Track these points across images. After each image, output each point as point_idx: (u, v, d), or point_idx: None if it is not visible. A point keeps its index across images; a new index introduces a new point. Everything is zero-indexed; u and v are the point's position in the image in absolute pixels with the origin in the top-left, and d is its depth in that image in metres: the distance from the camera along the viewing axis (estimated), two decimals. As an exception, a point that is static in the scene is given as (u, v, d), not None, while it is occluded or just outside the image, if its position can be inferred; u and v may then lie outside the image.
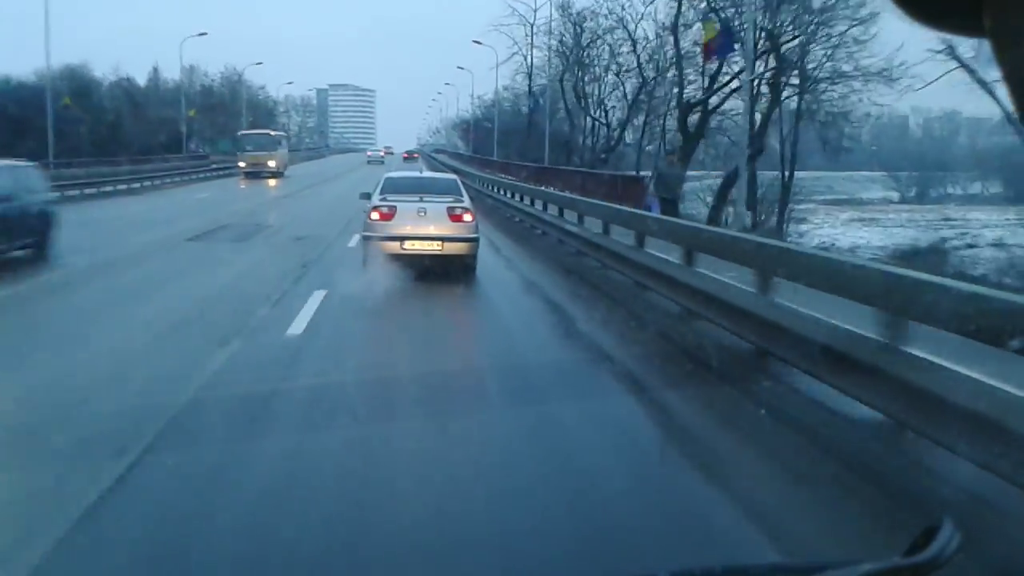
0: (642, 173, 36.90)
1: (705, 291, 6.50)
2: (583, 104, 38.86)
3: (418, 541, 3.23)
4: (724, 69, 26.99)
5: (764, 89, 27.34)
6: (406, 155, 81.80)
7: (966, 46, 20.38)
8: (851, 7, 25.49)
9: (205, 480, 3.79)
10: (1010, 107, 0.63)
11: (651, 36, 32.73)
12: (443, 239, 10.06)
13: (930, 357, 3.78)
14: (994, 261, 26.15)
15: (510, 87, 51.36)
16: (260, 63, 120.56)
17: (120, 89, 59.31)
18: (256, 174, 40.24)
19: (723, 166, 33.34)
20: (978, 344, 3.47)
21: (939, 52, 22.17)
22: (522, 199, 18.02)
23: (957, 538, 0.94)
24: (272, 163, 41.70)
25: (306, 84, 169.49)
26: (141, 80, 62.85)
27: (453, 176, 13.28)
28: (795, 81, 26.41)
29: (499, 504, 3.67)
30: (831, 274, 5.07)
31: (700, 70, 29.05)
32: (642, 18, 32.51)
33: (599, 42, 35.88)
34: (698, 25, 30.69)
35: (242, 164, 41.54)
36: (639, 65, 32.71)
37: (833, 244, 32.67)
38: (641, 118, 36.64)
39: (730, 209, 24.89)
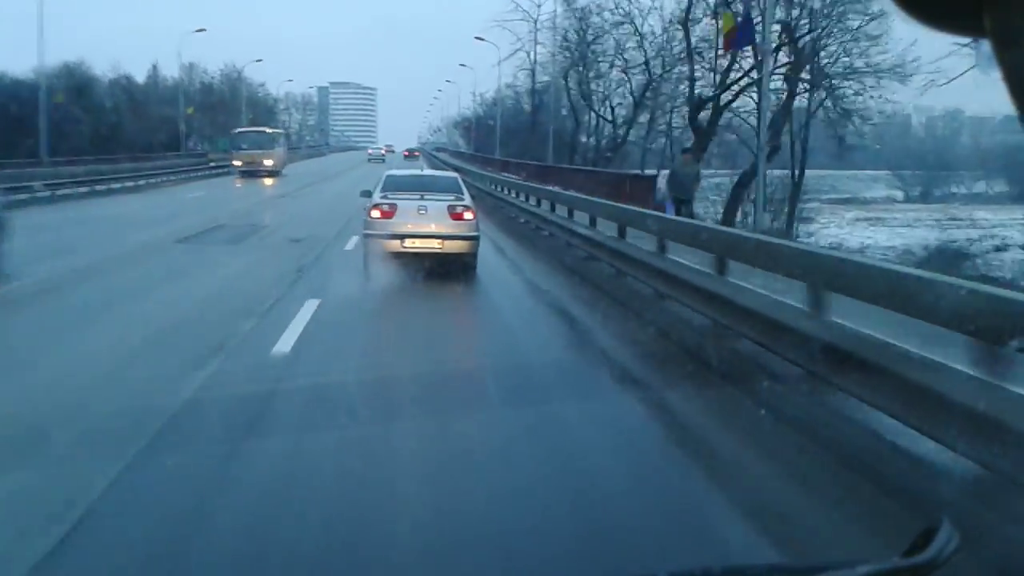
0: (649, 171, 36.30)
1: (742, 305, 5.79)
2: (587, 101, 38.09)
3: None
4: (735, 64, 26.18)
5: (777, 84, 26.54)
6: (407, 153, 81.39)
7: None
8: (863, 2, 24.77)
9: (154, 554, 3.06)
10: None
11: (657, 31, 31.92)
12: (443, 237, 10.01)
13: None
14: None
15: (512, 85, 50.66)
16: (260, 60, 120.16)
17: (119, 87, 58.76)
18: (252, 173, 39.20)
19: (730, 165, 32.59)
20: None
21: (964, 46, 21.40)
22: (527, 199, 17.31)
23: (956, 539, 0.94)
24: (269, 162, 40.66)
25: (307, 82, 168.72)
26: (140, 78, 62.29)
27: (454, 174, 13.13)
28: (805, 77, 25.61)
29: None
30: (897, 288, 4.33)
31: (711, 66, 28.25)
32: (649, 12, 31.69)
33: (605, 37, 35.10)
34: (706, 20, 30.06)
35: (238, 163, 40.47)
36: (646, 61, 31.93)
37: (841, 244, 31.98)
38: (646, 115, 35.88)
39: (741, 209, 24.19)
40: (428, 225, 10.03)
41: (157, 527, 3.25)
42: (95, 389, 5.19)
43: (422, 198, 10.22)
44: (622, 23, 32.60)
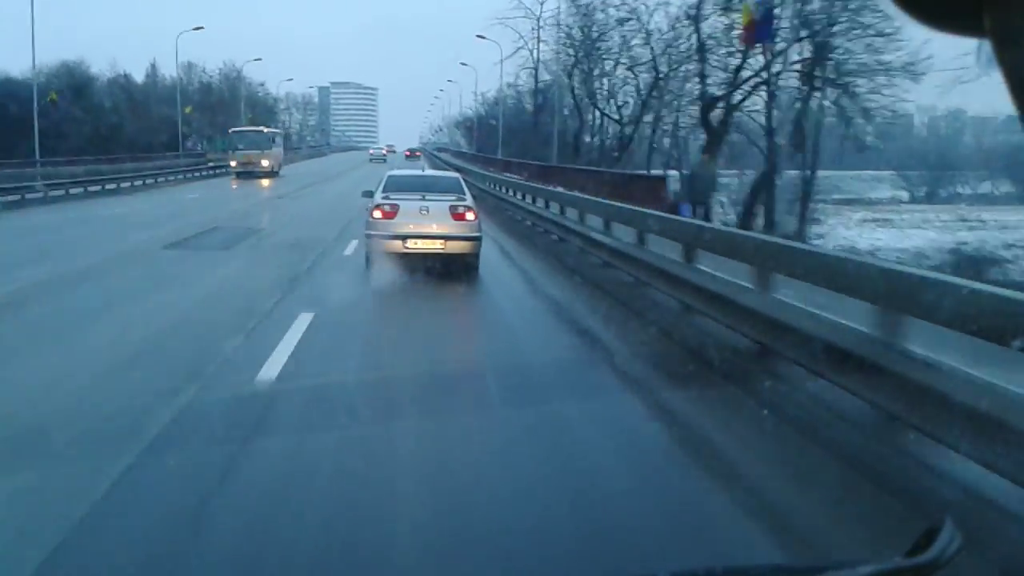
0: (655, 171, 35.55)
1: (794, 326, 5.05)
2: (592, 99, 37.31)
3: None
4: (746, 61, 25.41)
5: (787, 83, 25.77)
6: (408, 153, 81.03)
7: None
8: (876, -1, 24.00)
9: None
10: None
11: (664, 28, 31.13)
12: (445, 238, 9.99)
13: None
14: None
15: (514, 84, 49.94)
16: (259, 59, 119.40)
17: (117, 87, 58.15)
18: (249, 174, 38.29)
19: (735, 165, 31.80)
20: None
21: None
22: (533, 201, 16.56)
23: (958, 539, 0.94)
24: (265, 162, 39.73)
25: (308, 82, 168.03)
26: (139, 77, 61.70)
27: (455, 174, 13.06)
28: (819, 74, 24.82)
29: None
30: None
31: (720, 65, 27.49)
32: (656, 9, 30.90)
33: (610, 34, 34.32)
34: (713, 17, 29.27)
35: (233, 163, 39.61)
36: (653, 58, 31.14)
37: (851, 247, 31.21)
38: (651, 114, 35.10)
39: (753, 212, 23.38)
40: (430, 225, 9.97)
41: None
42: (65, 416, 4.48)
43: (424, 198, 10.15)
44: (628, 19, 31.84)
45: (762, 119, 29.37)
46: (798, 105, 18.94)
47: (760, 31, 16.62)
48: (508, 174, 31.66)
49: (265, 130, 44.03)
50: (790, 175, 30.02)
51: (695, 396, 5.39)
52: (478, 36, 43.87)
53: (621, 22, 32.52)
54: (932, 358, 3.73)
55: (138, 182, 32.29)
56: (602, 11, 34.12)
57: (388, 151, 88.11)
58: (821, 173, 43.07)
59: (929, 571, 0.92)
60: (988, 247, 34.37)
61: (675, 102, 32.91)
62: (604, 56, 35.82)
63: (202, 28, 49.62)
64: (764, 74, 24.29)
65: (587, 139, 40.96)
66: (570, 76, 37.10)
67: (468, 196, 10.63)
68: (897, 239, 39.45)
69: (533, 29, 41.18)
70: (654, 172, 35.14)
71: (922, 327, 3.92)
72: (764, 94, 26.56)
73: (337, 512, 3.49)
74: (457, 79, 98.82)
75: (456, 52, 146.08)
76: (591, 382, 5.90)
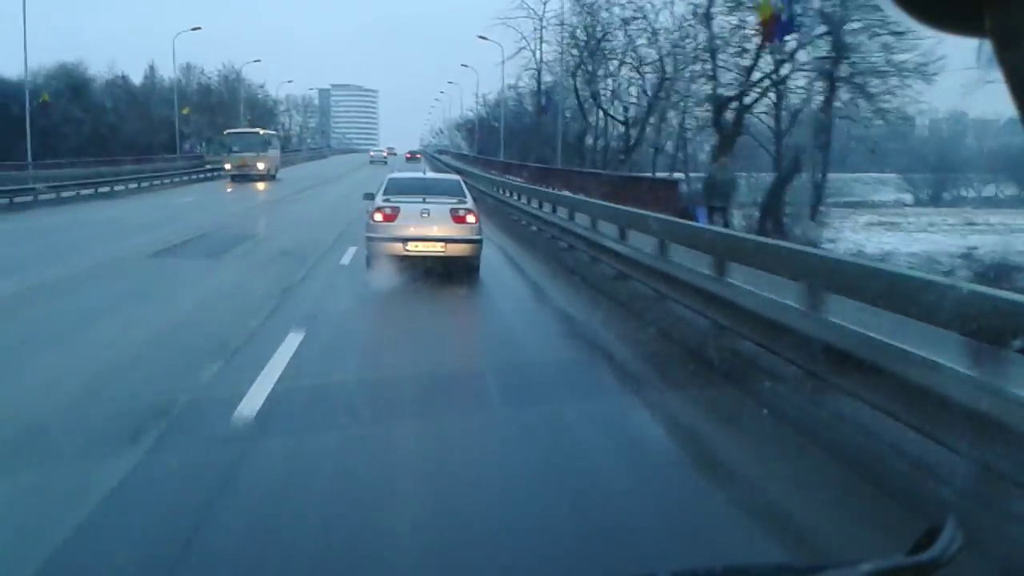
0: (661, 174, 34.80)
1: (846, 351, 4.33)
2: (597, 101, 36.56)
3: None
4: (758, 62, 24.67)
5: (800, 83, 25.05)
6: (408, 155, 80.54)
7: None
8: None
9: None
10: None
11: (670, 27, 30.38)
12: (446, 240, 9.94)
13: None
14: None
15: (516, 86, 49.26)
16: (258, 61, 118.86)
17: (115, 88, 57.52)
18: (244, 177, 37.17)
19: (744, 168, 31.02)
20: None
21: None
22: (540, 205, 15.82)
23: (960, 538, 0.94)
24: (261, 165, 38.50)
25: (308, 84, 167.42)
26: (138, 79, 61.08)
27: (456, 177, 13.10)
28: (837, 73, 24.06)
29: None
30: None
31: (727, 65, 26.73)
32: (663, 7, 30.14)
33: (616, 33, 33.58)
34: (721, 16, 28.52)
35: (228, 166, 38.45)
36: (660, 58, 30.40)
37: (859, 251, 30.51)
38: (656, 116, 34.35)
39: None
40: (431, 228, 9.94)
41: None
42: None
43: (424, 201, 10.14)
44: (635, 18, 31.10)
45: (770, 120, 28.73)
46: (817, 104, 18.20)
47: (780, 27, 15.89)
48: (510, 176, 30.97)
49: (261, 132, 42.79)
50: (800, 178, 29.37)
51: (751, 441, 4.64)
52: (479, 37, 43.20)
53: (627, 21, 31.79)
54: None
55: (133, 185, 31.59)
56: (607, 10, 33.41)
57: (388, 153, 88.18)
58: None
59: (930, 570, 0.91)
60: (1002, 251, 33.72)
61: (681, 103, 32.18)
62: (609, 56, 35.08)
63: (199, 29, 48.96)
64: (778, 73, 23.52)
65: (589, 141, 40.24)
66: (574, 77, 36.35)
67: (469, 199, 10.60)
68: (906, 243, 38.76)
69: (536, 29, 40.51)
70: (663, 175, 34.52)
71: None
72: (778, 94, 25.85)
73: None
74: (458, 81, 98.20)
75: (457, 54, 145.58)
76: (633, 432, 5.13)
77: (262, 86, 75.62)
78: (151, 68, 62.45)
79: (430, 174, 14.55)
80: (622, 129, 37.71)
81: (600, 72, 35.70)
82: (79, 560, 2.96)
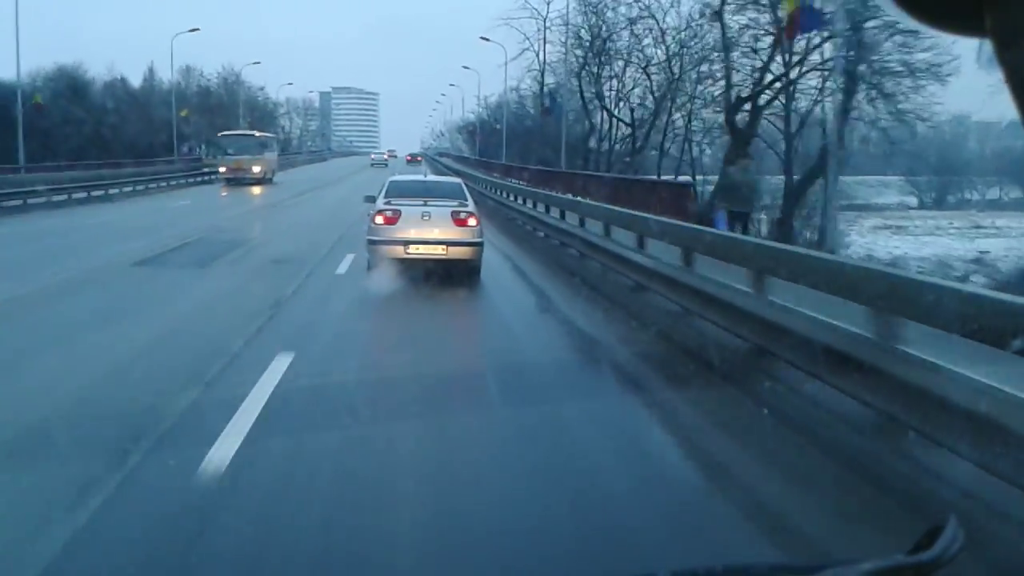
0: (666, 177, 34.04)
1: (922, 388, 3.60)
2: (601, 101, 35.79)
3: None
4: (772, 61, 23.91)
5: (813, 83, 24.31)
6: (409, 158, 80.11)
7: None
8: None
9: None
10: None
11: (678, 27, 29.62)
12: (447, 243, 9.91)
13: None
14: None
15: (517, 88, 48.55)
16: (257, 62, 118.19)
17: (113, 90, 56.92)
18: (239, 181, 36.00)
19: (754, 170, 30.26)
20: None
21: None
22: (548, 210, 15.08)
23: (961, 538, 0.93)
24: (257, 168, 37.23)
25: (309, 86, 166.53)
26: (136, 81, 60.46)
27: (457, 180, 13.09)
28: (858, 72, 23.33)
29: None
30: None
31: (738, 65, 25.98)
32: (671, 7, 29.38)
33: (623, 33, 32.82)
34: (728, 16, 27.75)
35: (223, 169, 37.20)
36: (668, 58, 29.65)
37: (869, 255, 29.82)
38: (664, 118, 33.61)
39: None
40: (432, 231, 9.91)
41: None
42: None
43: (426, 204, 10.14)
44: (641, 17, 30.35)
45: (778, 121, 27.98)
46: (836, 104, 17.47)
47: (807, 21, 15.12)
48: (512, 179, 30.25)
49: (257, 134, 41.46)
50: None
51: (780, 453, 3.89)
52: (481, 38, 42.49)
53: (633, 21, 31.04)
54: None
55: (128, 188, 30.89)
56: (612, 10, 32.66)
57: (389, 156, 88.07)
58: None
59: (931, 570, 0.91)
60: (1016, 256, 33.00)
61: (688, 104, 31.45)
62: (614, 56, 34.34)
63: (198, 30, 48.20)
64: (796, 71, 22.76)
65: (593, 144, 39.48)
66: (578, 78, 35.60)
67: (470, 201, 10.55)
68: (914, 248, 38.12)
69: (539, 30, 39.81)
70: (667, 178, 33.77)
71: None
72: (788, 95, 25.11)
73: None
74: (459, 83, 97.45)
75: (458, 56, 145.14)
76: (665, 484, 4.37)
77: (262, 88, 74.95)
78: (150, 70, 61.78)
79: (431, 177, 14.35)
80: (626, 131, 36.99)
81: (605, 73, 34.94)
82: None
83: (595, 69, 35.09)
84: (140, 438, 4.27)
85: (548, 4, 37.24)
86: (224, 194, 32.05)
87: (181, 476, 3.83)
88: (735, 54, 25.66)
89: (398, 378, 5.95)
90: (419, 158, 79.31)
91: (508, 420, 5.02)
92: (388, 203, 10.13)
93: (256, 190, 33.78)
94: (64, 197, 25.57)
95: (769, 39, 24.74)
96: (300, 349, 6.41)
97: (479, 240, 10.16)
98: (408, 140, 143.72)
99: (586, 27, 34.58)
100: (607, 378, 6.34)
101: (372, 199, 10.71)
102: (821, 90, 24.01)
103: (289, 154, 71.55)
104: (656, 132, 34.69)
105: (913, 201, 62.62)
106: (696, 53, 29.57)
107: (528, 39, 41.05)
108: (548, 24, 38.72)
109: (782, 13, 18.40)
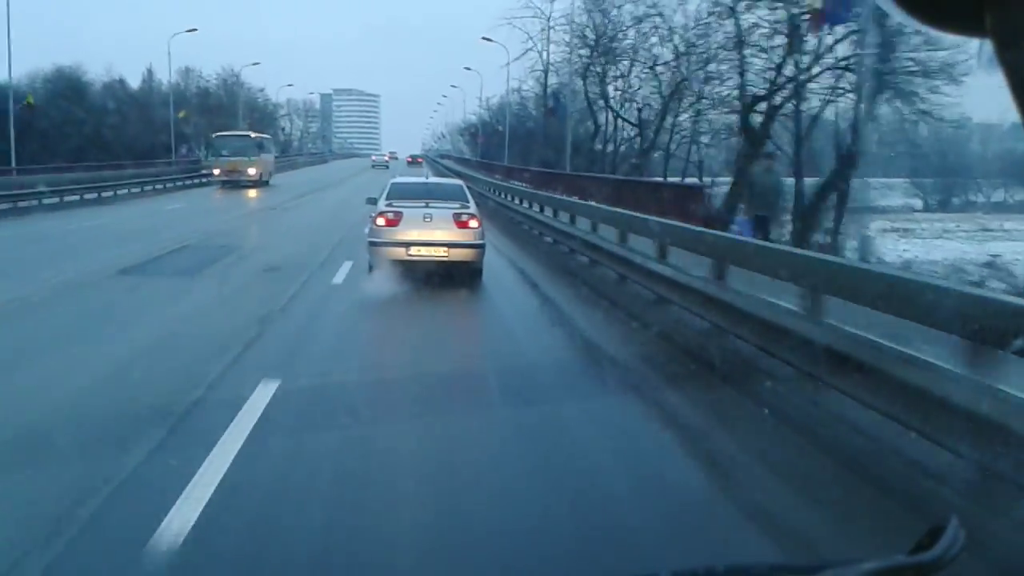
0: (673, 179, 33.26)
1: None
2: (607, 102, 35.01)
3: None
4: (788, 58, 23.13)
5: (827, 83, 23.53)
6: (410, 159, 79.69)
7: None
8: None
9: None
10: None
11: (687, 25, 28.84)
12: (449, 245, 9.88)
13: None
14: None
15: (519, 90, 47.85)
16: (257, 63, 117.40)
17: (112, 91, 56.31)
18: (234, 183, 34.81)
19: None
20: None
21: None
22: (556, 214, 14.36)
23: (962, 538, 0.93)
24: (252, 170, 35.80)
25: (310, 88, 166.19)
26: (135, 82, 59.88)
27: (459, 182, 13.04)
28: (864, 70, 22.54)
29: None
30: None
31: (749, 64, 25.18)
32: (679, 5, 28.58)
33: (629, 31, 32.04)
34: (739, 14, 26.95)
35: (217, 171, 35.85)
36: (677, 57, 28.87)
37: (879, 260, 29.05)
38: (671, 118, 32.82)
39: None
40: (433, 233, 9.88)
41: None
42: None
43: (427, 206, 10.13)
44: (650, 15, 29.57)
45: (788, 121, 27.19)
46: (859, 104, 16.68)
47: (835, 12, 14.33)
48: (514, 181, 29.55)
49: (252, 135, 39.96)
50: (809, 183, 27.78)
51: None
52: (484, 39, 41.78)
53: (639, 19, 30.27)
54: None
55: (123, 191, 30.15)
56: (618, 7, 31.88)
57: (390, 158, 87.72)
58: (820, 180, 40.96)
59: (931, 570, 0.91)
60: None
61: (696, 104, 30.65)
62: (619, 56, 33.55)
63: (195, 30, 47.60)
64: (814, 67, 22.01)
65: (599, 146, 38.71)
66: (583, 78, 34.82)
67: (472, 203, 10.53)
68: (924, 251, 37.36)
69: (543, 30, 39.07)
70: (674, 180, 32.99)
71: None
72: (798, 95, 24.34)
73: None
74: (461, 84, 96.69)
75: (460, 57, 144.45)
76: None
77: (262, 90, 74.28)
78: (149, 71, 61.09)
79: (433, 179, 14.17)
80: (631, 132, 36.22)
81: (610, 72, 34.17)
82: None
83: (600, 68, 34.32)
84: (80, 504, 3.43)
85: (552, 3, 36.57)
86: (219, 197, 31.19)
87: (130, 548, 3.08)
88: (747, 51, 24.85)
89: (396, 418, 5.19)
90: (420, 160, 78.80)
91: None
92: (390, 205, 10.11)
93: (253, 193, 32.76)
94: (56, 200, 24.88)
95: (781, 37, 23.98)
96: (287, 374, 5.67)
97: (481, 242, 10.13)
98: (409, 142, 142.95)
99: (591, 26, 33.82)
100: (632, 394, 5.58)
101: (374, 201, 10.65)
102: (834, 90, 23.24)
103: (289, 156, 70.89)
104: (663, 133, 33.92)
105: (918, 203, 61.88)
106: (703, 52, 28.77)
107: (531, 38, 40.35)
108: (552, 24, 38.04)
109: (801, 8, 17.63)
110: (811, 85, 24.99)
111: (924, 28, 0.63)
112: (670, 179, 30.99)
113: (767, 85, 23.42)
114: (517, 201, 18.99)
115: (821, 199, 20.34)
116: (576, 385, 6.15)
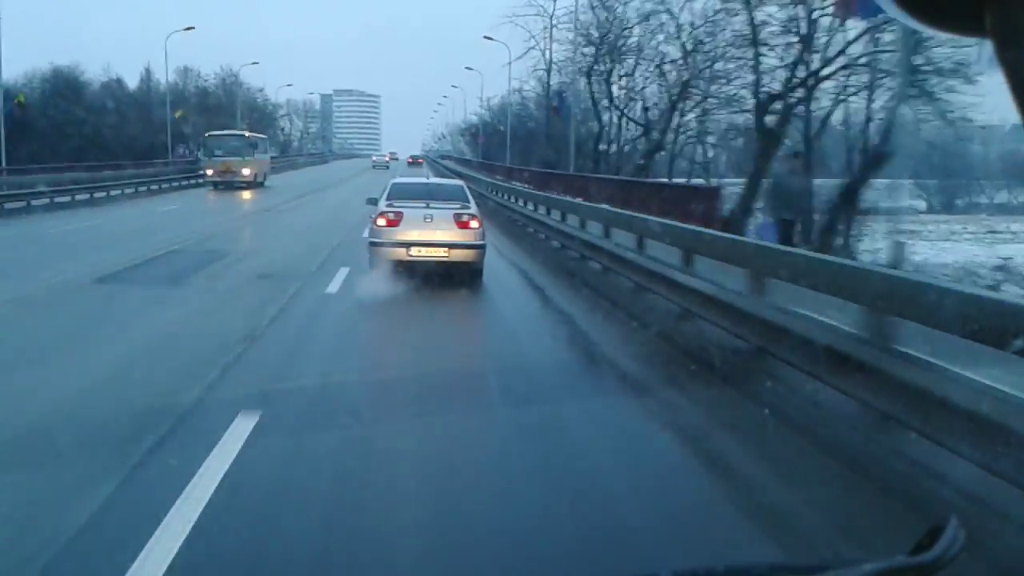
0: (678, 180, 32.53)
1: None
2: (612, 102, 34.27)
3: None
4: (805, 55, 22.39)
5: (838, 82, 22.82)
6: (410, 160, 79.25)
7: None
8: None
9: None
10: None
11: (694, 23, 28.10)
12: (449, 245, 9.86)
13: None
14: None
15: (521, 90, 47.16)
16: (256, 63, 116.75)
17: (109, 90, 55.72)
18: (227, 184, 33.74)
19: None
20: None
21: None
22: (564, 218, 13.65)
23: (962, 538, 0.92)
24: (246, 171, 34.61)
25: (310, 88, 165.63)
26: (133, 82, 59.31)
27: (460, 182, 13.09)
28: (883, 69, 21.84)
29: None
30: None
31: (757, 61, 24.43)
32: (686, 4, 27.84)
33: (635, 29, 31.30)
34: (742, 11, 26.21)
35: (209, 172, 34.57)
36: (685, 55, 28.14)
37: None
38: (678, 118, 32.06)
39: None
40: (434, 233, 9.85)
41: None
42: None
43: (428, 206, 10.11)
44: (656, 12, 28.83)
45: (798, 121, 26.49)
46: (889, 103, 15.96)
47: (868, 3, 13.57)
48: (515, 182, 28.86)
49: (247, 134, 38.73)
50: (818, 183, 27.08)
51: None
52: (485, 37, 41.09)
53: (646, 16, 29.54)
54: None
55: (116, 192, 29.46)
56: (623, 4, 31.14)
57: (391, 158, 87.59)
58: (833, 181, 40.23)
59: (931, 570, 0.90)
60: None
61: (703, 103, 29.90)
62: (625, 54, 32.81)
63: (192, 28, 46.86)
64: (832, 65, 21.28)
65: (604, 146, 37.98)
66: (588, 77, 34.08)
67: (472, 204, 10.52)
68: (933, 253, 36.71)
69: (545, 28, 38.38)
70: (680, 181, 32.27)
71: None
72: (809, 95, 23.62)
73: None
74: (461, 84, 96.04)
75: (461, 58, 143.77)
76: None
77: (261, 90, 73.56)
78: (147, 71, 60.42)
79: (434, 179, 14.10)
80: (636, 132, 35.47)
81: (620, 70, 33.42)
82: None
83: (605, 67, 33.58)
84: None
85: (555, 1, 35.84)
86: (213, 198, 30.30)
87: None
88: (760, 49, 24.09)
89: (390, 437, 4.46)
90: (420, 160, 78.25)
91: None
92: (390, 205, 10.09)
93: (248, 194, 31.72)
94: (46, 201, 24.22)
95: (791, 35, 23.27)
96: (268, 405, 4.96)
97: (481, 242, 10.10)
98: (409, 142, 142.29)
99: (595, 23, 33.09)
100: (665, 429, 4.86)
101: (374, 202, 10.62)
102: (846, 88, 22.52)
103: (289, 156, 70.22)
104: (669, 133, 33.18)
105: (922, 205, 61.51)
106: (711, 51, 28.05)
107: (534, 37, 39.69)
108: (555, 21, 37.33)
109: (815, 6, 16.86)
110: (824, 84, 24.36)
111: (924, 28, 0.61)
112: (675, 180, 30.28)
113: (781, 83, 22.64)
114: (522, 203, 18.31)
115: (847, 201, 19.51)
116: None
